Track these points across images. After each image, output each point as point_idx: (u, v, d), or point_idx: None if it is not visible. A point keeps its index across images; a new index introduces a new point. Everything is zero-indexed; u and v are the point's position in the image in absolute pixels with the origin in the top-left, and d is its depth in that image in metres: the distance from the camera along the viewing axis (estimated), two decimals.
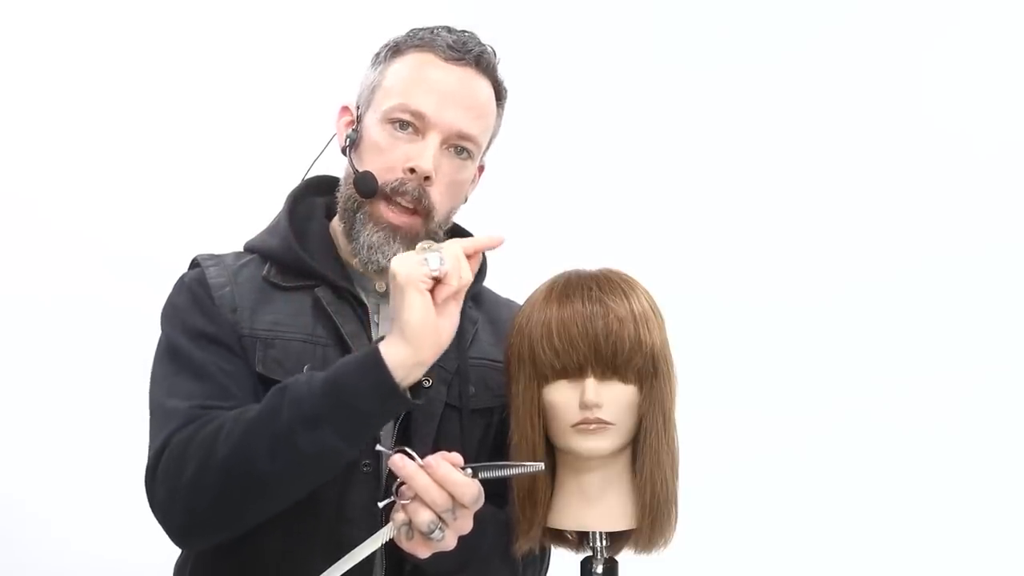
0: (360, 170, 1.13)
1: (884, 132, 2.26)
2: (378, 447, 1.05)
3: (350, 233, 1.14)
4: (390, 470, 0.97)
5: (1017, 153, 2.20)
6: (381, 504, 0.99)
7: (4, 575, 1.88)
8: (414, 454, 0.95)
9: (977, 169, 2.20)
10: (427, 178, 1.11)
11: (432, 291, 0.95)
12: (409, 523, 0.95)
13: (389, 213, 1.12)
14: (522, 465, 0.98)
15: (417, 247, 0.98)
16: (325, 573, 0.96)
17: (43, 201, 1.99)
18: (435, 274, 0.94)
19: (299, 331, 1.11)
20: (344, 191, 1.17)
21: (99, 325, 1.90)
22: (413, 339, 0.94)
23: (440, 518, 0.94)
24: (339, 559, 0.99)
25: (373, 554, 1.02)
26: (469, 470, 0.95)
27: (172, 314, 1.14)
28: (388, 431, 1.11)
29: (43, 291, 1.96)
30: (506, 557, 1.10)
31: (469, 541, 1.01)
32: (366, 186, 1.12)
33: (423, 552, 0.97)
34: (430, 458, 0.94)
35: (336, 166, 1.23)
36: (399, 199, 1.11)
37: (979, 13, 2.24)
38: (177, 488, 1.00)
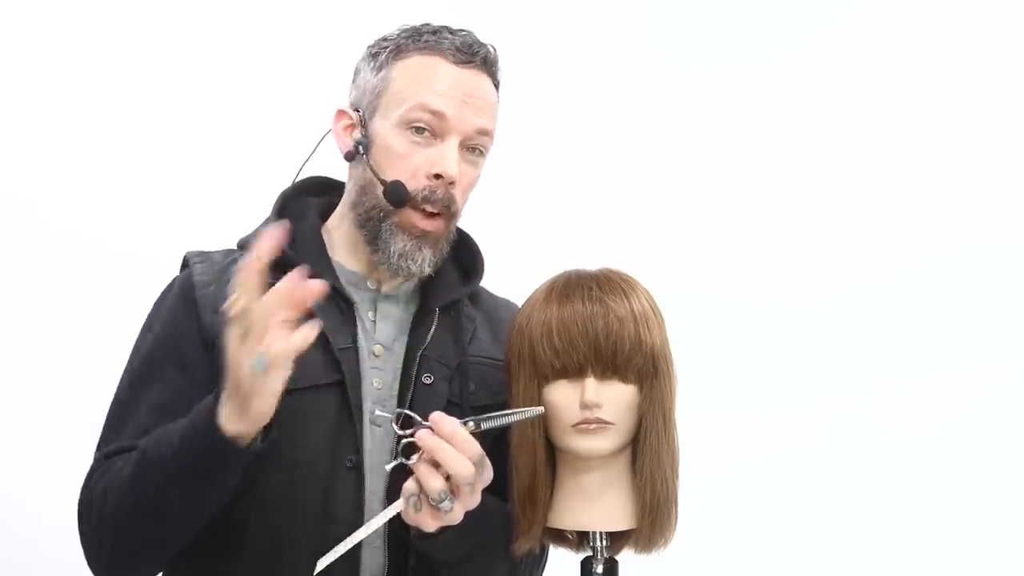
0: (382, 178, 1.12)
1: (884, 132, 2.26)
2: (377, 411, 1.07)
3: (375, 242, 1.14)
4: (398, 437, 0.99)
5: (1017, 153, 2.20)
6: (388, 467, 1.01)
7: (4, 575, 1.88)
8: (416, 416, 0.96)
9: (977, 169, 2.20)
10: (452, 182, 1.12)
11: None
12: (418, 494, 0.95)
13: (419, 220, 1.12)
14: (522, 411, 0.99)
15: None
16: (332, 551, 0.96)
17: (43, 201, 1.98)
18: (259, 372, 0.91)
19: None
20: (366, 200, 1.15)
21: (99, 325, 1.90)
22: (243, 419, 0.94)
23: (449, 489, 0.94)
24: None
25: (363, 545, 1.03)
26: (472, 423, 0.96)
27: (141, 334, 1.17)
28: (389, 430, 1.11)
29: (43, 291, 1.96)
30: (509, 552, 1.10)
31: (479, 529, 1.02)
32: (398, 196, 1.11)
33: (430, 524, 0.97)
34: (435, 415, 0.95)
35: (327, 167, 1.23)
36: (428, 206, 1.12)
37: (979, 13, 2.24)
38: (89, 544, 1.07)
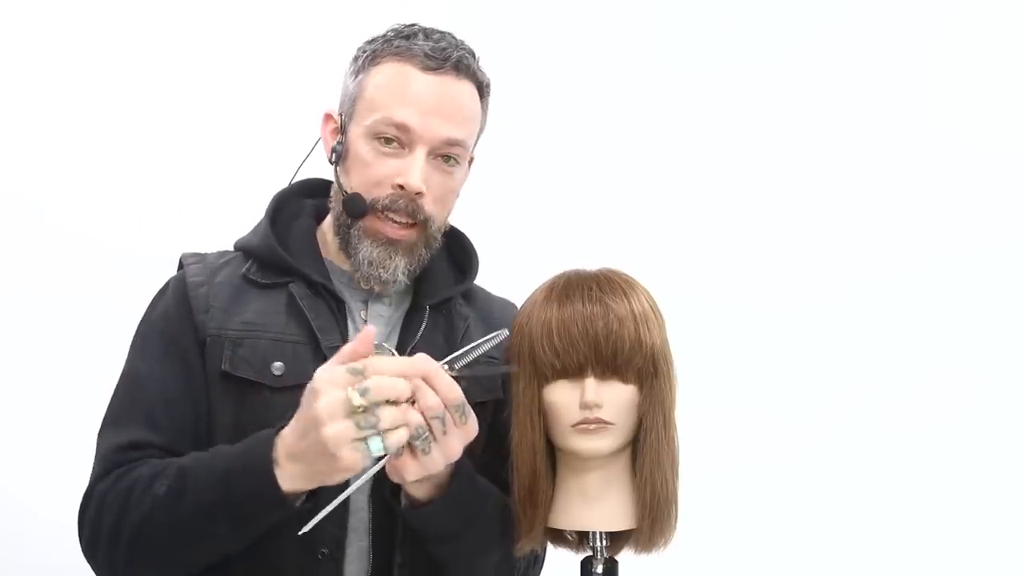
0: (347, 185, 1.14)
1: (884, 132, 2.26)
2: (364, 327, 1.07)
3: (347, 249, 1.15)
4: None
5: (1017, 153, 2.20)
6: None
7: (4, 575, 1.88)
8: (394, 351, 0.97)
9: (977, 169, 2.20)
10: (418, 193, 1.11)
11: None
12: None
13: (386, 227, 1.12)
14: (488, 339, 1.00)
15: (351, 396, 0.89)
16: (320, 512, 0.95)
17: (43, 201, 1.99)
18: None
19: (271, 330, 1.12)
20: (336, 207, 1.17)
21: (99, 325, 1.90)
22: (312, 481, 0.94)
23: (429, 427, 0.94)
24: (309, 564, 1.02)
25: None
26: (446, 366, 0.96)
27: (141, 326, 1.17)
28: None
29: (43, 291, 1.96)
30: (504, 539, 1.10)
31: (470, 504, 1.04)
32: (355, 208, 1.12)
33: (411, 470, 0.96)
34: (418, 355, 0.95)
35: (322, 168, 1.24)
36: (392, 215, 1.12)
37: (979, 13, 2.24)
38: (97, 541, 1.05)
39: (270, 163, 1.40)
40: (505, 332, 1.02)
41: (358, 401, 0.88)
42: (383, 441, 0.88)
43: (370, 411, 0.88)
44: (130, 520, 1.01)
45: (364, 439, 0.88)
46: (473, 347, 1.00)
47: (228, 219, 1.32)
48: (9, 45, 2.00)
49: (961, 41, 2.25)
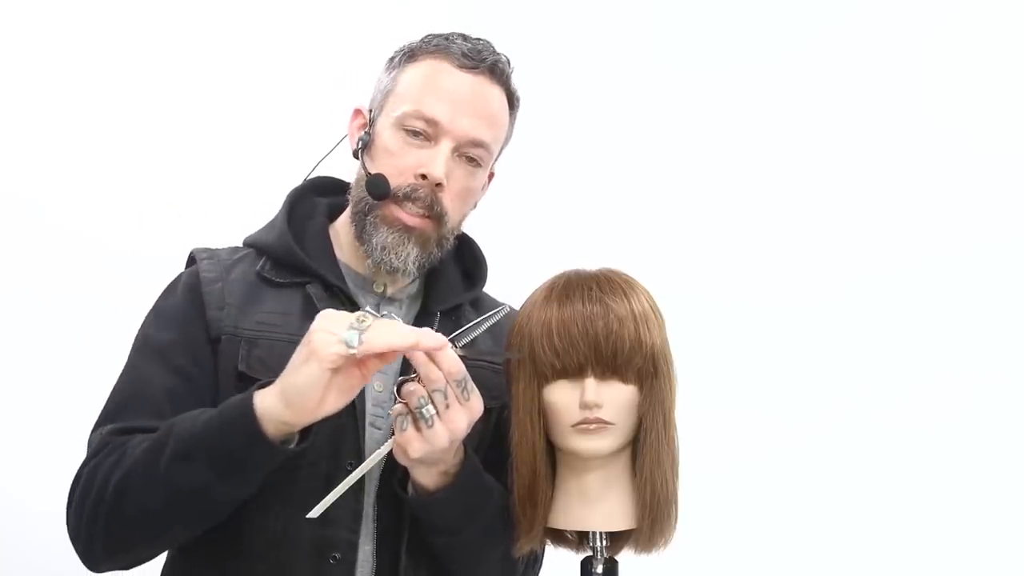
0: (368, 171, 1.14)
1: (884, 132, 2.26)
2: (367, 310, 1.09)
3: (361, 235, 1.15)
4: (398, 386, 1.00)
5: (1017, 153, 2.20)
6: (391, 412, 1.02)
7: (4, 575, 1.88)
8: (397, 318, 0.99)
9: (977, 170, 2.20)
10: (439, 184, 1.12)
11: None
12: (406, 414, 0.97)
13: (403, 214, 1.13)
14: (491, 315, 1.02)
15: (355, 315, 0.93)
16: (326, 497, 0.96)
17: (43, 201, 1.98)
18: (350, 353, 0.91)
19: (285, 330, 1.11)
20: (355, 193, 1.17)
21: (99, 325, 1.90)
22: (289, 403, 0.93)
23: (431, 399, 0.95)
24: (323, 563, 1.02)
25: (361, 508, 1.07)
26: (449, 345, 0.98)
27: (149, 320, 1.16)
28: (386, 430, 1.12)
29: (43, 291, 1.96)
30: (507, 535, 1.10)
31: (474, 495, 1.05)
32: (378, 188, 1.12)
33: (416, 447, 0.97)
34: (424, 330, 0.96)
35: (342, 167, 1.24)
36: (411, 204, 1.12)
37: (979, 13, 2.24)
38: (81, 517, 1.02)
39: (270, 163, 1.40)
40: (507, 307, 1.04)
41: (353, 343, 0.90)
42: (360, 335, 0.90)
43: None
44: (110, 486, 0.99)
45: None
46: (476, 323, 1.01)
47: (228, 219, 1.32)
48: (9, 45, 2.00)
49: (961, 41, 2.25)
